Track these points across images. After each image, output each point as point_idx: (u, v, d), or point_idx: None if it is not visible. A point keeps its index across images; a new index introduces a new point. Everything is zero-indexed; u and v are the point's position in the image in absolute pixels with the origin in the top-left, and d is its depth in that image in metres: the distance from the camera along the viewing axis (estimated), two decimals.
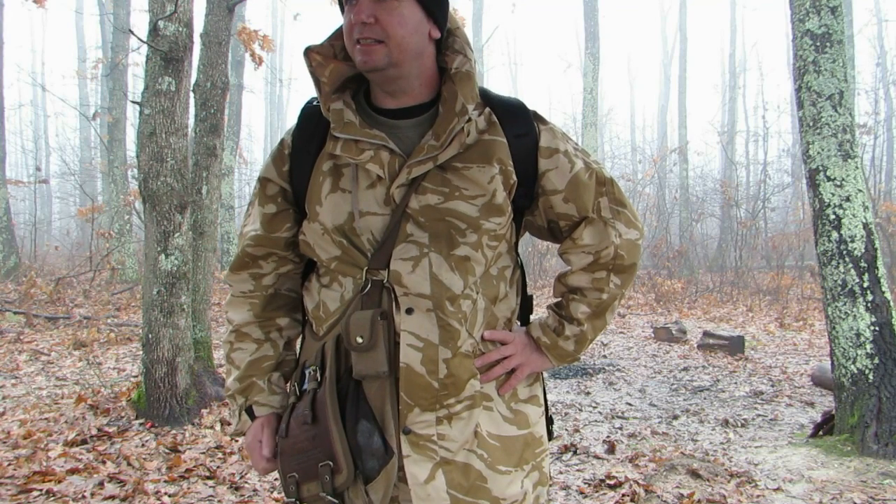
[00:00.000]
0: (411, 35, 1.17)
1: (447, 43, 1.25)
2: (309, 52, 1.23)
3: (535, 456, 1.29)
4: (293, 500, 1.22)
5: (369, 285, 1.20)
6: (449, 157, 1.18)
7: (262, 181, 1.32)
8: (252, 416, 1.34)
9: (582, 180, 1.27)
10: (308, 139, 1.26)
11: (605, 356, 6.86)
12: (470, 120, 1.20)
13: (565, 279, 1.34)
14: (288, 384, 1.36)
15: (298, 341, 1.41)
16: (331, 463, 1.18)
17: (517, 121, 1.26)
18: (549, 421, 1.38)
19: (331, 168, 1.23)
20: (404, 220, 1.19)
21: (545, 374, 1.41)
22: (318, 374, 1.24)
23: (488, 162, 1.20)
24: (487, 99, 1.27)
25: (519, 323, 1.36)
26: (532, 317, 1.39)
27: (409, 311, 1.18)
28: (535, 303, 1.41)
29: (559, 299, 1.36)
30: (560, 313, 1.34)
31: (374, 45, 1.15)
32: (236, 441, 3.74)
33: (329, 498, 1.19)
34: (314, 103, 1.27)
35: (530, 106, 1.30)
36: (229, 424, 3.85)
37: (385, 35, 1.15)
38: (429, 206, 1.18)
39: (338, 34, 1.25)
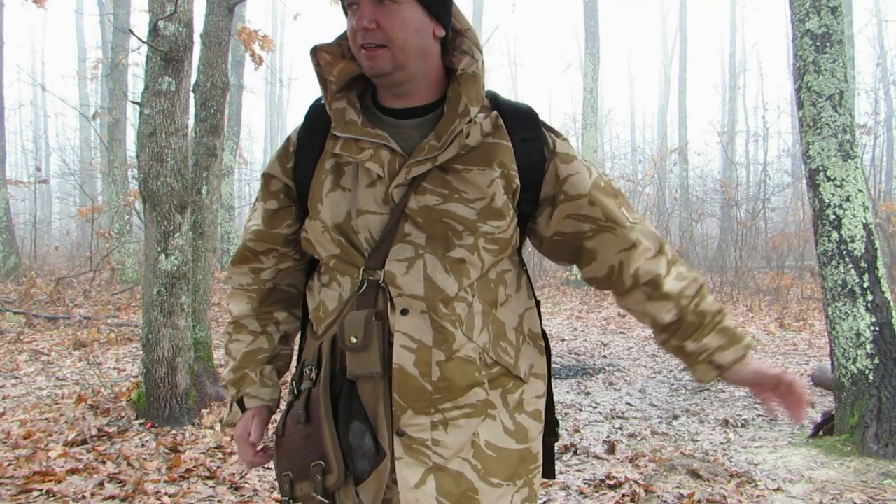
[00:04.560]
0: (413, 37, 1.16)
1: (455, 43, 1.24)
2: (317, 51, 1.23)
3: (528, 472, 1.27)
4: (287, 498, 1.23)
5: (365, 285, 1.20)
6: (448, 157, 1.17)
7: (266, 177, 1.32)
8: (243, 408, 1.35)
9: (600, 186, 1.27)
10: (314, 137, 1.26)
11: (605, 356, 6.86)
12: (471, 122, 1.19)
13: (665, 292, 1.26)
14: (287, 380, 1.37)
15: (297, 338, 1.41)
16: (322, 463, 1.18)
17: (525, 125, 1.25)
18: (555, 423, 1.36)
19: (333, 166, 1.23)
20: (403, 220, 1.18)
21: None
22: (314, 374, 1.24)
23: (489, 165, 1.19)
24: (496, 103, 1.26)
25: (531, 329, 1.31)
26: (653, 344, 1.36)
27: (404, 312, 1.18)
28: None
29: (683, 320, 1.28)
30: (708, 325, 1.27)
31: (378, 50, 1.15)
32: None
33: (319, 498, 1.19)
34: (321, 102, 1.27)
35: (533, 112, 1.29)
36: None
37: (388, 39, 1.14)
38: (427, 206, 1.18)
39: (346, 35, 1.24)
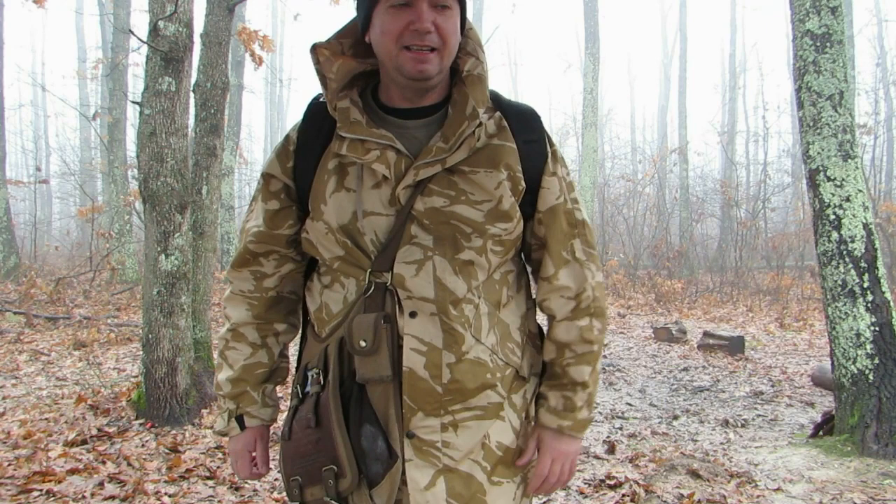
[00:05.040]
0: (457, 42, 1.17)
1: (459, 44, 1.23)
2: (316, 48, 1.21)
3: (525, 467, 1.30)
4: (296, 503, 1.22)
5: (372, 288, 1.18)
6: (457, 160, 1.17)
7: (266, 177, 1.30)
8: (242, 425, 1.34)
9: (559, 211, 1.26)
10: (314, 136, 1.24)
11: (605, 356, 6.86)
12: (481, 124, 1.19)
13: (553, 335, 1.29)
14: (289, 387, 1.36)
15: (295, 342, 1.41)
16: (334, 467, 1.17)
17: (528, 126, 1.24)
18: None
19: (336, 166, 1.21)
20: (409, 222, 1.18)
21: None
22: (321, 378, 1.23)
23: (496, 167, 1.19)
24: (498, 103, 1.25)
25: (530, 329, 1.32)
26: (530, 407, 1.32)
27: (413, 314, 1.17)
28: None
29: (551, 367, 1.30)
30: (562, 385, 1.28)
31: (430, 54, 1.13)
32: None
33: (333, 502, 1.19)
34: (320, 100, 1.25)
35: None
36: None
37: (441, 43, 1.14)
38: (434, 208, 1.17)
39: (346, 31, 1.23)
